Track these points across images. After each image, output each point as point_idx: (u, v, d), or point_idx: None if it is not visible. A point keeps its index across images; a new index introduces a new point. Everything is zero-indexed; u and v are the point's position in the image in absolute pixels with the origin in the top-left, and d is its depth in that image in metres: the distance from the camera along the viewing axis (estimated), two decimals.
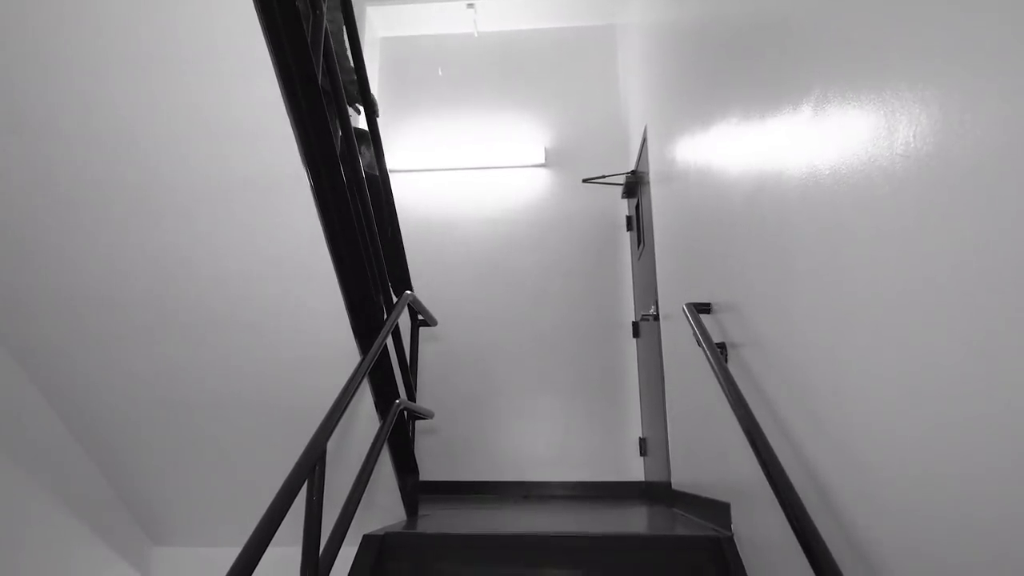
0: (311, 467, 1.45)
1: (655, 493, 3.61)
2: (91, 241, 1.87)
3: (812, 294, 1.27)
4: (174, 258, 1.92)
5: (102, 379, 2.25)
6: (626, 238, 4.58)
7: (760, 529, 1.68)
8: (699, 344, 1.84)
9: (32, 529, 2.28)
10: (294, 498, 1.35)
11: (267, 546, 1.21)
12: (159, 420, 2.38)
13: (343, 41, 2.38)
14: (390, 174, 4.74)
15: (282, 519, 1.28)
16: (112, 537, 2.66)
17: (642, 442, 4.14)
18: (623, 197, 4.51)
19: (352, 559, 1.96)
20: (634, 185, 4.19)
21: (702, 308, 2.10)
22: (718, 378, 1.62)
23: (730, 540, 1.91)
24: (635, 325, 4.33)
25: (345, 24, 2.30)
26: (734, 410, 1.48)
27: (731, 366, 1.83)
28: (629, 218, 4.51)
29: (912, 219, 0.90)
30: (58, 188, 1.74)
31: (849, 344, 1.11)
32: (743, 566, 1.81)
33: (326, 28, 1.85)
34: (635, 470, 4.17)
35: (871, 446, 1.05)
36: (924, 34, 0.86)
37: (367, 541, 2.02)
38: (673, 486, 2.94)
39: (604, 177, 4.51)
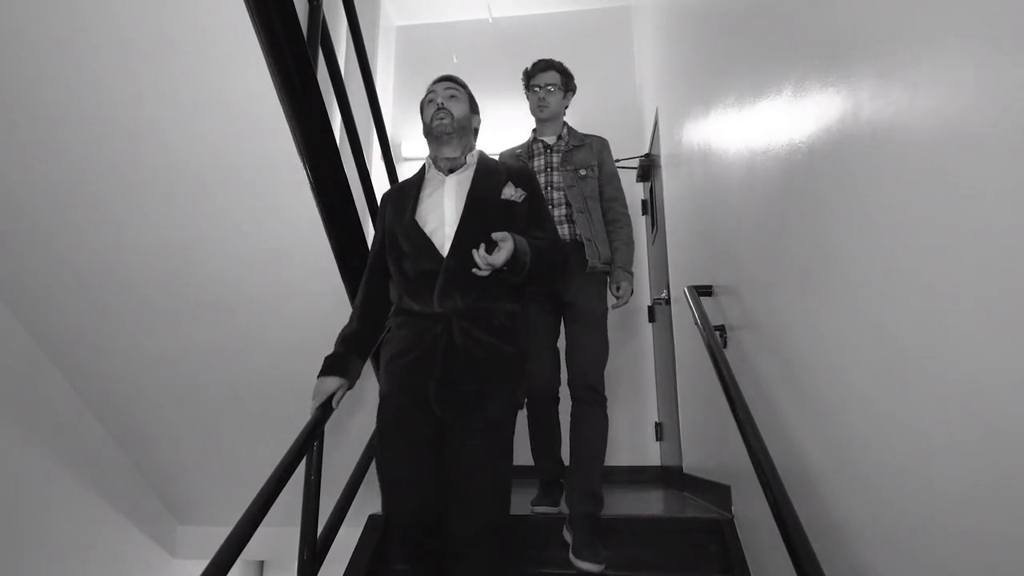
0: (309, 445, 1.49)
1: (669, 477, 3.60)
2: (110, 223, 1.92)
3: (796, 273, 1.26)
4: (190, 239, 1.96)
5: (125, 360, 2.31)
6: (641, 222, 4.53)
7: (754, 511, 1.68)
8: (696, 326, 1.83)
9: (59, 510, 2.38)
10: (290, 476, 1.39)
11: (259, 524, 1.25)
12: (182, 401, 2.44)
13: None
14: (404, 162, 4.75)
15: (276, 497, 1.32)
16: (138, 516, 2.76)
17: (658, 427, 4.13)
18: (638, 181, 4.46)
19: (356, 540, 2.01)
20: (648, 168, 4.15)
21: (703, 291, 2.09)
22: (713, 360, 1.62)
23: (730, 522, 1.91)
24: (650, 309, 4.31)
25: (347, 19, 2.31)
26: (724, 391, 1.48)
27: (730, 348, 1.82)
28: (644, 202, 4.47)
29: (881, 195, 0.89)
30: (78, 173, 1.79)
31: (827, 325, 1.11)
32: (741, 547, 1.81)
33: (323, 19, 1.88)
34: (652, 454, 4.15)
35: (847, 428, 1.05)
36: (890, 21, 0.85)
37: (372, 521, 2.07)
38: (684, 470, 2.94)
39: (619, 161, 4.44)
